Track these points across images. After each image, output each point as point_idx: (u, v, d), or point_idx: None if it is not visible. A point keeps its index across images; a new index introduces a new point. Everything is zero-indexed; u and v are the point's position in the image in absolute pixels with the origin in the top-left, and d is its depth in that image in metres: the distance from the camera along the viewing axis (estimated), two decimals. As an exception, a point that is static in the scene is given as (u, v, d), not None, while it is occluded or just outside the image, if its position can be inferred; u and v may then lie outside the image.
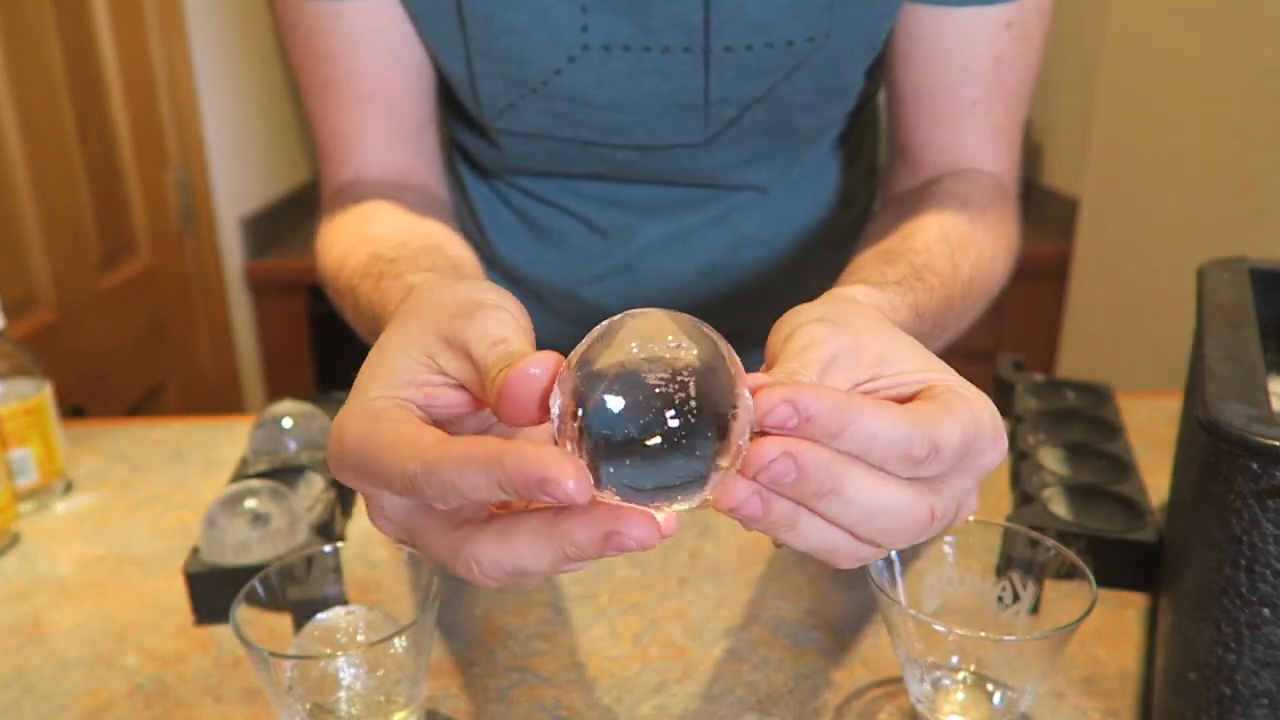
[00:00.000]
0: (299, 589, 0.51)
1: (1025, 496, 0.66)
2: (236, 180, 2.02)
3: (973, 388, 0.36)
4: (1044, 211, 2.19)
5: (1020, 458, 0.71)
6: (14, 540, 0.70)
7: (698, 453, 0.30)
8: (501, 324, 0.35)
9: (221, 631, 0.60)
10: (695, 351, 0.31)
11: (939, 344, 0.52)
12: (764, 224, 0.78)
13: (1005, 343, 2.10)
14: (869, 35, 0.64)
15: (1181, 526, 0.49)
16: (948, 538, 0.52)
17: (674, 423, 0.29)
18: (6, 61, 1.34)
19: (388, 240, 0.54)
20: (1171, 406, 0.86)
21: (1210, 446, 0.41)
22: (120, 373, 1.65)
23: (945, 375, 0.36)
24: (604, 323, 0.32)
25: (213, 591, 0.60)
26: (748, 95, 0.65)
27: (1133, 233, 1.67)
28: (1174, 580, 0.50)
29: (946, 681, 0.49)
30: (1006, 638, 0.47)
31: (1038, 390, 0.81)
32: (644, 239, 0.77)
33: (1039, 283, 2.05)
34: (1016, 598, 0.50)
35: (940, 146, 0.66)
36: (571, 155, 0.70)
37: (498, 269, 0.84)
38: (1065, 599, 0.48)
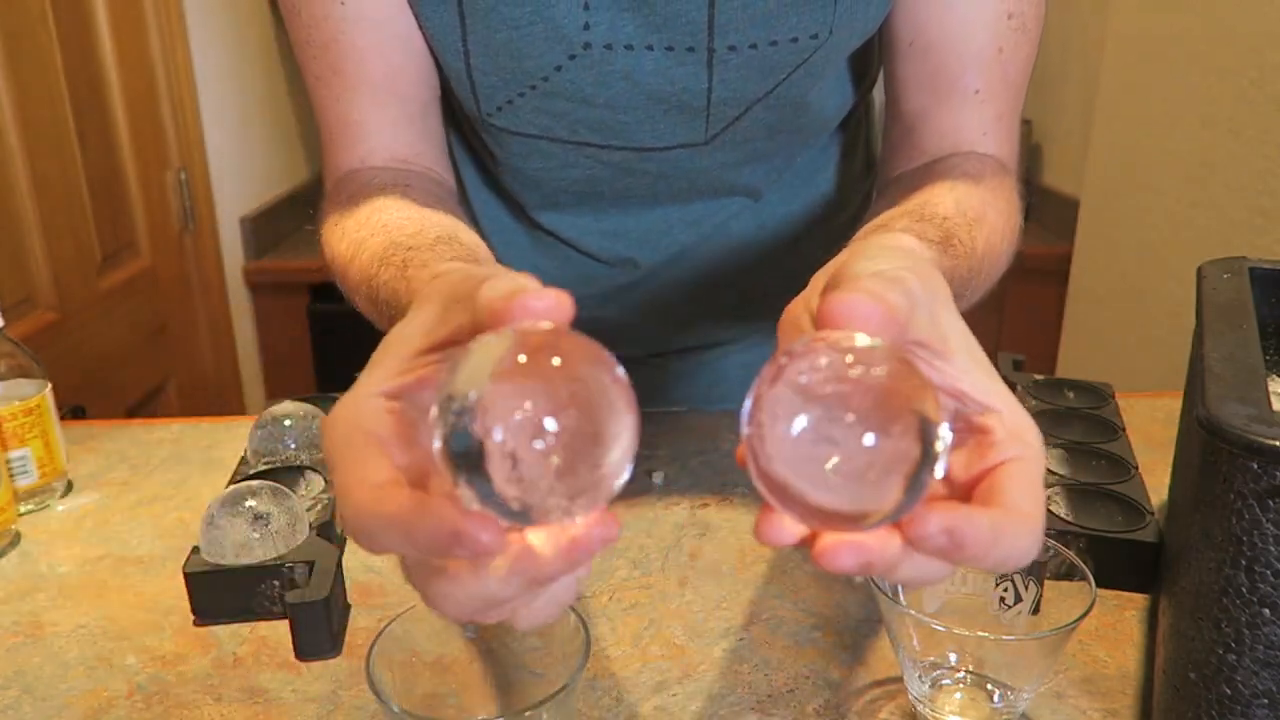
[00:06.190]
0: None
1: (1025, 496, 0.66)
2: (236, 180, 2.02)
3: (1023, 427, 0.36)
4: (1044, 211, 2.18)
5: (1020, 458, 0.71)
6: (14, 540, 0.70)
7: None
8: (514, 279, 0.33)
9: (221, 631, 0.60)
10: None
11: None
12: (760, 227, 0.78)
13: (1005, 343, 2.10)
14: (865, 28, 0.64)
15: (1181, 526, 0.49)
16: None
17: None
18: (6, 61, 1.34)
19: (404, 228, 0.54)
20: (1171, 406, 0.86)
21: (1210, 446, 0.41)
22: (120, 373, 1.65)
23: (1000, 404, 0.37)
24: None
25: (213, 591, 0.60)
26: (750, 95, 0.65)
27: (1133, 233, 1.67)
28: (1174, 580, 0.50)
29: (946, 681, 0.49)
30: (1006, 638, 0.47)
31: (1038, 390, 0.81)
32: (644, 268, 0.77)
33: (1039, 283, 2.05)
34: (1019, 598, 0.50)
35: (944, 130, 0.66)
36: (569, 158, 0.70)
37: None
38: (1065, 599, 0.48)
